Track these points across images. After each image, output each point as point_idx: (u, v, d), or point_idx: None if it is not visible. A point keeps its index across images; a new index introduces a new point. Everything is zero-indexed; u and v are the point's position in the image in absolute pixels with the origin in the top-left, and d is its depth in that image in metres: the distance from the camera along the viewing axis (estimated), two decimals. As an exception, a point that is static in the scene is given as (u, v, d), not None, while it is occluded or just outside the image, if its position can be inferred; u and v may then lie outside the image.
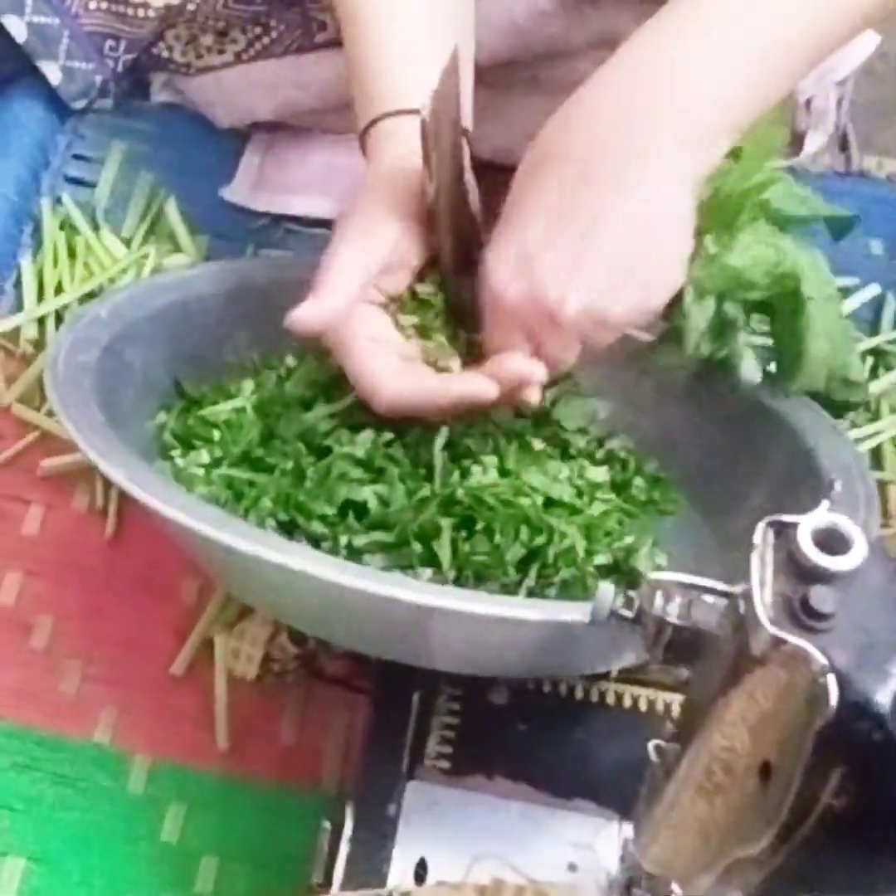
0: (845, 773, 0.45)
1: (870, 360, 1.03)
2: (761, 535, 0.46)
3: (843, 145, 1.17)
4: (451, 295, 0.80)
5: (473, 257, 0.78)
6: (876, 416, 1.00)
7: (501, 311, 0.75)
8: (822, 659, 0.44)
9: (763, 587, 0.45)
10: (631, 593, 0.56)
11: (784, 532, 0.46)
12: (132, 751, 0.81)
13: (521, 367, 0.75)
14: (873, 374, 1.03)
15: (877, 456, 0.98)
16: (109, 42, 1.01)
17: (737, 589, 0.50)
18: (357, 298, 0.76)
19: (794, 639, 0.44)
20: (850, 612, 0.44)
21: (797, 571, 0.45)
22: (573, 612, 0.62)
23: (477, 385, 0.75)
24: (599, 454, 0.87)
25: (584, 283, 0.73)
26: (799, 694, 0.45)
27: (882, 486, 0.95)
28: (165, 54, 1.04)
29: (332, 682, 0.84)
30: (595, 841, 0.70)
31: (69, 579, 0.87)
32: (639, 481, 0.87)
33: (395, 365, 0.76)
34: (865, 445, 0.98)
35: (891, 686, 0.44)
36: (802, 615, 0.44)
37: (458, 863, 0.69)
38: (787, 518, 0.46)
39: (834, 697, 0.43)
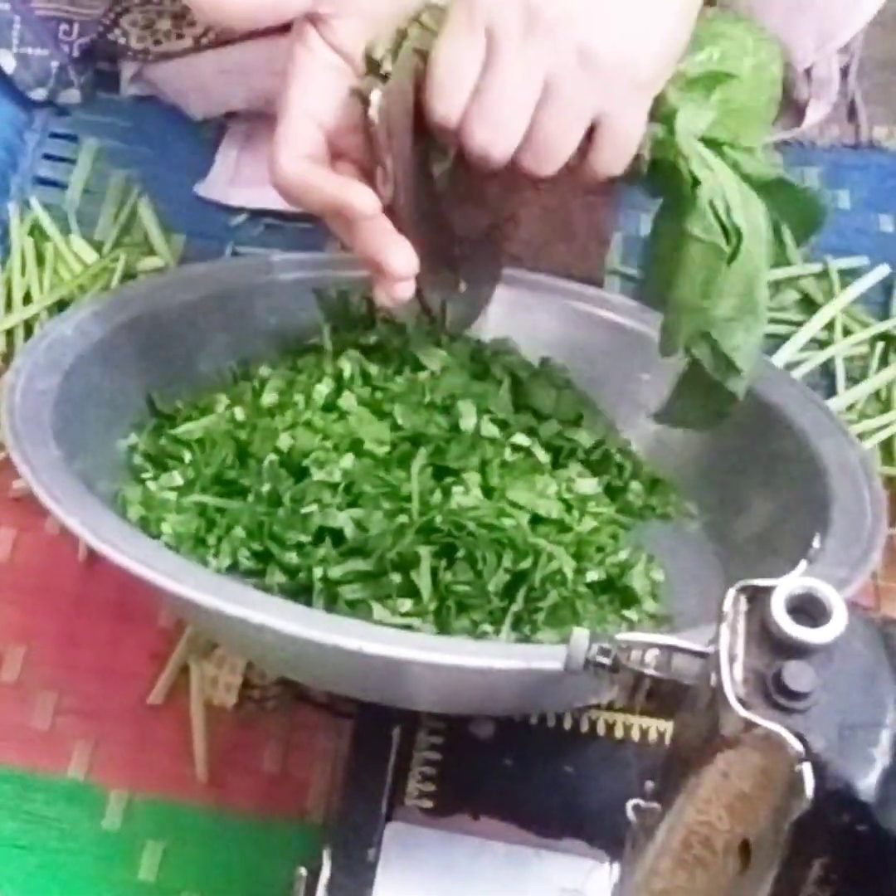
0: (828, 864, 0.41)
1: (880, 346, 0.98)
2: (732, 601, 0.42)
3: (852, 115, 1.12)
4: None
5: (444, 255, 0.73)
6: (887, 407, 0.95)
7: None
8: (797, 745, 0.40)
9: (733, 662, 0.41)
10: (606, 644, 0.52)
11: (758, 598, 0.42)
12: (108, 786, 0.78)
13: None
14: (883, 361, 0.98)
15: (888, 449, 0.93)
16: (63, 26, 0.99)
17: (712, 649, 0.46)
18: None
19: (766, 722, 0.40)
20: (829, 690, 0.40)
21: (771, 644, 0.41)
22: (551, 659, 0.58)
23: (364, 198, 0.68)
24: (594, 456, 0.82)
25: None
26: (775, 779, 0.41)
27: (892, 481, 0.90)
28: (122, 40, 1.00)
29: (316, 707, 0.80)
30: (585, 885, 0.66)
31: (42, 606, 0.84)
32: (635, 486, 0.83)
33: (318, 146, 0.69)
34: (875, 439, 0.93)
35: (874, 772, 0.39)
36: (776, 694, 0.40)
37: (442, 910, 0.66)
38: (760, 582, 0.42)
39: (810, 787, 0.39)
